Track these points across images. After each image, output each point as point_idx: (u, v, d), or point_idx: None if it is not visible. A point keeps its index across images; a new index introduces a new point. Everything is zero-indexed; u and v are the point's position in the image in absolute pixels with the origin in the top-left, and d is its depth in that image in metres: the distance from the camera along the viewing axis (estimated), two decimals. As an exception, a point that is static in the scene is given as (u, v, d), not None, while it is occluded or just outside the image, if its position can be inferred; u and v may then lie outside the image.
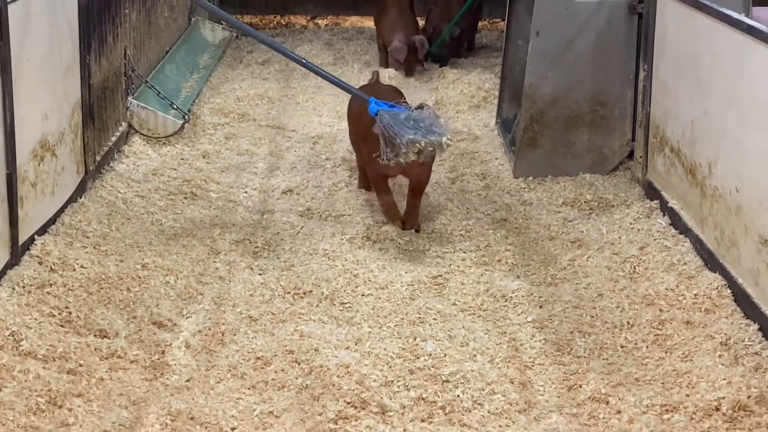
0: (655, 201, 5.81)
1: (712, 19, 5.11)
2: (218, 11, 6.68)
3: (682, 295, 4.79)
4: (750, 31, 4.67)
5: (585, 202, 6.07)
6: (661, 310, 4.69)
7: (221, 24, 9.82)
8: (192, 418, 3.91)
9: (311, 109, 8.19)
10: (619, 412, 3.95)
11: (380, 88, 6.40)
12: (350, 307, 4.87)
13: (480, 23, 10.41)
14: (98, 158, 6.14)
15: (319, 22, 11.13)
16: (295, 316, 4.75)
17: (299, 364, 4.28)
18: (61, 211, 5.44)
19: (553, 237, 5.66)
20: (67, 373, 4.08)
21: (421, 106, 5.52)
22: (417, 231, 5.72)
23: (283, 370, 4.25)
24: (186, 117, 7.22)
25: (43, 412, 3.81)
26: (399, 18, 9.27)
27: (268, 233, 5.76)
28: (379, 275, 5.17)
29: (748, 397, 3.94)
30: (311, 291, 5.00)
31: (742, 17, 4.89)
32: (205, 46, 9.55)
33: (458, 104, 8.24)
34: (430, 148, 5.24)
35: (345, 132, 7.53)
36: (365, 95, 5.70)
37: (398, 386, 4.13)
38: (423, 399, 4.04)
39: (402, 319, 4.74)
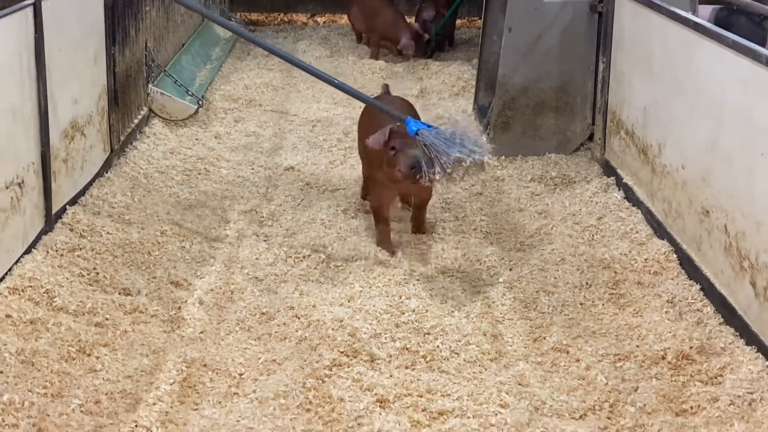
0: (612, 177, 5.82)
1: (664, 17, 5.10)
2: (212, 16, 5.93)
3: (634, 259, 4.81)
4: (696, 27, 4.67)
5: (550, 178, 6.07)
6: (615, 273, 4.71)
7: (231, 20, 9.75)
8: (204, 365, 3.92)
9: (311, 96, 8.15)
10: (578, 360, 3.97)
11: (392, 100, 5.48)
12: (344, 269, 4.87)
13: (459, 21, 10.38)
14: (122, 138, 6.11)
15: (318, 19, 11.06)
16: (296, 277, 4.75)
17: (299, 318, 4.29)
18: (90, 184, 5.42)
19: (522, 209, 5.67)
20: (95, 326, 4.08)
21: (460, 124, 4.72)
22: (421, 233, 5.26)
23: (284, 324, 4.25)
24: (200, 102, 7.19)
25: (73, 359, 3.81)
26: (395, 15, 9.26)
27: (272, 205, 5.75)
28: (369, 241, 5.16)
29: (690, 347, 3.96)
30: (310, 255, 5.00)
31: (689, 15, 4.88)
32: (216, 40, 9.49)
33: (440, 92, 8.22)
34: (474, 167, 4.48)
35: (341, 116, 7.53)
36: (400, 114, 4.79)
37: (385, 338, 4.14)
38: (407, 349, 4.05)
39: (389, 279, 4.73)
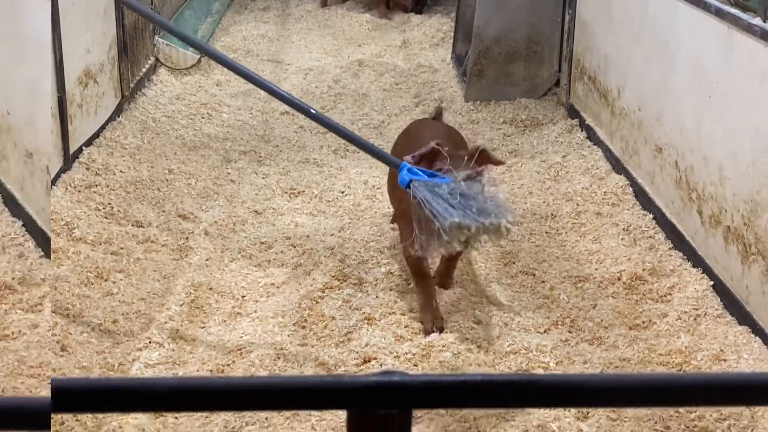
0: (575, 119, 5.80)
1: (624, -28, 5.02)
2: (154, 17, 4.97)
3: (594, 192, 4.82)
4: (653, -19, 4.61)
5: (520, 120, 6.04)
6: (577, 205, 4.73)
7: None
8: (210, 289, 3.94)
9: (303, 47, 8.04)
10: (543, 282, 4.01)
11: (437, 130, 3.91)
12: (334, 203, 4.87)
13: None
14: (132, 85, 6.01)
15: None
16: (291, 210, 4.75)
17: (295, 247, 4.30)
18: (103, 127, 5.35)
19: (495, 148, 5.65)
20: (111, 254, 4.08)
21: (471, 176, 3.10)
22: (446, 288, 3.87)
23: (282, 252, 4.27)
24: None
25: (92, 284, 3.82)
26: None
27: (270, 146, 5.71)
28: (356, 178, 5.16)
29: (643, 270, 4.00)
30: (304, 191, 4.99)
31: (648, -30, 4.81)
32: (217, -4, 9.29)
33: (421, 43, 8.11)
34: (483, 235, 2.91)
35: (331, 65, 7.43)
36: (394, 160, 3.30)
37: (371, 264, 4.16)
38: (391, 273, 4.08)
39: (375, 212, 4.74)
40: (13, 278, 3.70)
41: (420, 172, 3.13)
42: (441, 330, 3.53)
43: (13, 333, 3.39)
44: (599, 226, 4.47)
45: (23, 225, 4.11)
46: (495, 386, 0.85)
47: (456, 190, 2.99)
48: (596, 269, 4.07)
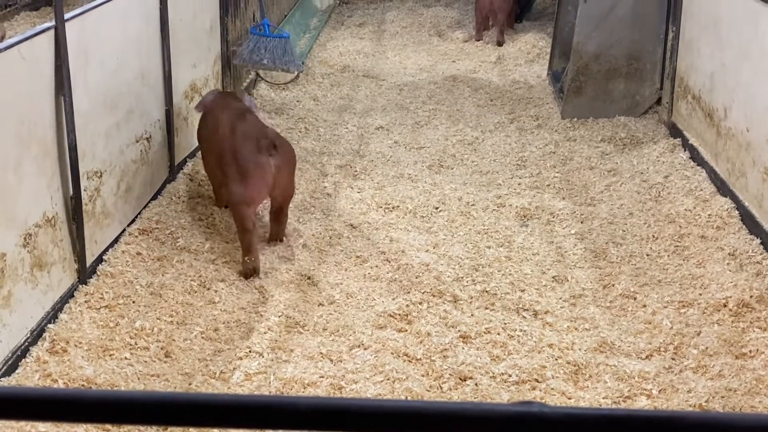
0: (678, 139, 5.64)
1: (733, -12, 4.87)
2: None
3: (698, 215, 4.67)
4: (765, -2, 4.45)
5: (620, 139, 5.92)
6: (680, 227, 4.59)
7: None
8: (307, 301, 3.99)
9: (398, 63, 8.10)
10: (644, 306, 3.90)
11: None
12: (428, 219, 4.87)
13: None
14: (233, 99, 6.17)
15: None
16: (386, 225, 4.77)
17: (389, 262, 4.31)
18: (206, 140, 5.51)
19: (592, 167, 5.55)
20: (212, 263, 4.18)
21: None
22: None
23: (377, 266, 4.28)
24: (300, 68, 7.21)
25: (195, 292, 3.92)
26: None
27: (365, 160, 5.76)
28: (451, 194, 5.14)
29: (750, 296, 3.85)
30: (398, 206, 5.01)
31: (759, -14, 4.65)
32: (314, 12, 9.48)
33: (516, 59, 8.06)
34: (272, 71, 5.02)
35: (425, 81, 7.47)
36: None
37: (466, 281, 4.14)
38: (486, 291, 4.04)
39: (470, 229, 4.72)
40: (751, 296, 3.76)
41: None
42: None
43: (750, 351, 3.44)
44: (703, 250, 4.32)
45: (761, 243, 4.17)
46: (641, 422, 0.83)
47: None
48: (700, 295, 3.93)
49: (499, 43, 8.43)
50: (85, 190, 3.76)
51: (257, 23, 6.22)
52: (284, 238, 4.42)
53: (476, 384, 3.33)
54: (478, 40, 8.62)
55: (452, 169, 5.61)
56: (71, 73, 3.56)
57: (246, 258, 4.03)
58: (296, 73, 7.09)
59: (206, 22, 5.49)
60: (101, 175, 3.94)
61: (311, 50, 8.21)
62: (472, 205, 5.01)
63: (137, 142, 4.36)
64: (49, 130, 3.48)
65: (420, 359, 3.49)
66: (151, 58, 4.55)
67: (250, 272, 4.05)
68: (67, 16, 3.55)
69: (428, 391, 3.30)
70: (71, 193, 3.64)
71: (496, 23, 8.50)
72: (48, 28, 3.43)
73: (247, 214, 4.02)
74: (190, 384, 3.33)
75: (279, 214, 4.33)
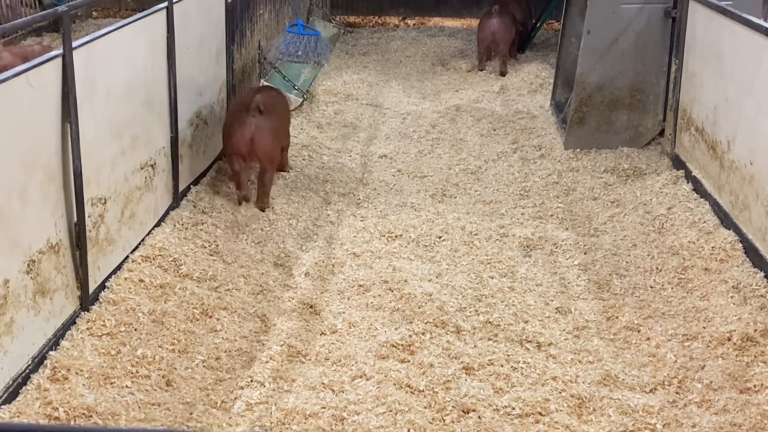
0: (681, 171, 5.64)
1: (735, 22, 4.90)
2: None
3: (702, 247, 4.65)
4: (767, 32, 4.47)
5: (623, 170, 5.92)
6: (684, 259, 4.57)
7: (332, 22, 9.79)
8: (309, 330, 3.97)
9: (401, 92, 8.14)
10: (648, 339, 3.88)
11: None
12: (431, 248, 4.86)
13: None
14: (238, 126, 6.19)
15: (408, 21, 11.01)
16: (389, 254, 4.76)
17: (392, 291, 4.29)
18: (210, 166, 5.52)
19: (595, 197, 5.55)
20: (215, 291, 4.17)
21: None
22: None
23: (379, 295, 4.26)
24: (305, 96, 7.25)
25: (197, 320, 3.91)
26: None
27: (368, 188, 5.76)
28: (454, 223, 5.14)
29: (755, 330, 3.82)
30: (401, 235, 5.00)
31: (761, 21, 4.68)
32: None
33: (519, 89, 8.10)
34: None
35: (428, 110, 7.50)
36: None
37: (469, 312, 4.12)
38: (489, 322, 4.02)
39: (473, 259, 4.71)
40: (755, 330, 3.71)
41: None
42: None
43: (755, 386, 3.40)
44: (707, 283, 4.30)
45: (765, 276, 4.12)
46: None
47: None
48: (704, 328, 3.91)
49: (502, 73, 8.47)
50: (89, 217, 3.76)
51: (293, 23, 7.33)
52: (265, 209, 5.10)
53: (479, 417, 3.30)
54: (481, 70, 8.67)
55: (455, 198, 5.61)
56: (78, 100, 3.57)
57: (237, 191, 5.08)
58: (300, 101, 7.12)
59: (212, 50, 5.53)
60: (105, 202, 3.94)
61: (315, 78, 8.25)
62: (475, 234, 5.00)
63: (142, 169, 4.37)
64: (55, 157, 3.48)
65: (423, 390, 3.47)
66: (157, 85, 4.57)
67: (242, 200, 5.05)
68: (75, 44, 3.57)
69: (431, 423, 3.27)
70: (75, 219, 3.63)
71: (499, 53, 8.55)
72: (56, 56, 3.45)
73: (234, 159, 5.02)
74: (191, 414, 3.30)
75: (262, 176, 5.12)
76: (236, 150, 4.97)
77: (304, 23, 7.38)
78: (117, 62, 4.05)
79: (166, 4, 4.60)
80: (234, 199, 5.14)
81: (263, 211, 5.08)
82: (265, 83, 6.89)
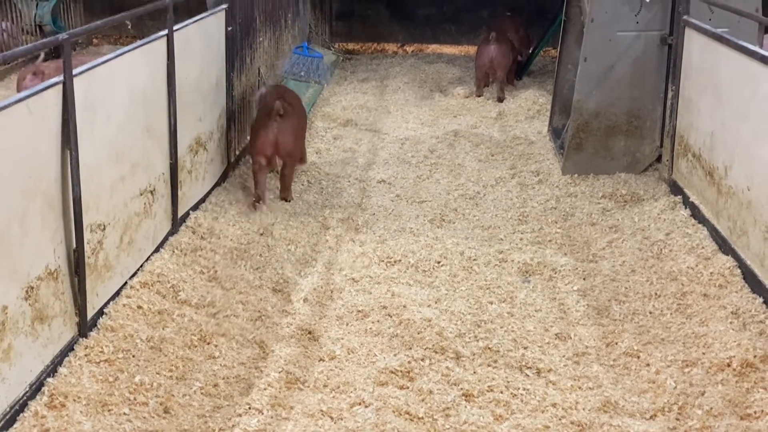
0: (679, 196, 5.65)
1: (731, 49, 4.93)
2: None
3: (700, 272, 4.65)
4: (763, 59, 4.50)
5: (620, 195, 5.93)
6: (682, 285, 4.56)
7: (331, 49, 9.86)
8: (307, 356, 3.95)
9: (400, 117, 8.17)
10: (648, 365, 3.86)
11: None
12: (430, 273, 4.85)
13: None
14: (237, 152, 6.21)
15: (407, 48, 11.08)
16: (388, 279, 4.75)
17: (391, 317, 4.28)
18: (209, 192, 5.53)
19: (594, 223, 5.55)
20: (213, 318, 4.15)
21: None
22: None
23: (378, 321, 4.25)
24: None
25: (195, 347, 3.89)
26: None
27: (367, 214, 5.77)
28: (453, 248, 5.13)
29: (755, 356, 3.80)
30: (400, 260, 4.99)
31: (756, 48, 4.71)
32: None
33: (517, 115, 8.13)
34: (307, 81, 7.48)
35: (427, 135, 7.52)
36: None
37: (469, 337, 4.10)
38: (489, 348, 4.01)
39: (472, 284, 4.70)
40: (755, 356, 3.69)
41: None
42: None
43: (755, 412, 3.38)
44: (706, 308, 4.29)
45: (764, 302, 4.12)
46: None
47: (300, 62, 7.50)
48: (704, 354, 3.89)
49: (500, 99, 8.52)
50: (88, 243, 3.75)
51: (299, 45, 8.01)
52: (290, 200, 5.75)
53: (479, 444, 3.27)
54: (479, 96, 8.71)
55: (454, 223, 5.61)
56: (78, 127, 3.58)
57: (255, 189, 5.61)
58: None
59: (212, 77, 5.55)
60: (104, 228, 3.94)
61: (315, 104, 8.28)
62: (474, 260, 4.99)
63: (141, 195, 4.37)
64: (54, 183, 3.48)
65: (422, 418, 3.44)
66: (157, 112, 4.59)
67: (256, 198, 5.56)
68: (75, 71, 3.58)
69: (430, 450, 3.24)
70: (74, 245, 3.63)
71: (497, 80, 8.60)
72: (56, 83, 3.46)
73: (256, 159, 5.57)
74: (188, 441, 3.27)
75: (283, 173, 5.73)
76: (260, 150, 5.57)
77: (309, 46, 7.92)
78: (117, 89, 4.07)
79: (166, 31, 4.63)
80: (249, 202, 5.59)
81: (288, 202, 5.72)
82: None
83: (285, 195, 5.76)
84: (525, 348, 4.01)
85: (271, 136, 5.49)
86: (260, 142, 5.54)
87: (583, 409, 3.52)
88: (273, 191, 5.81)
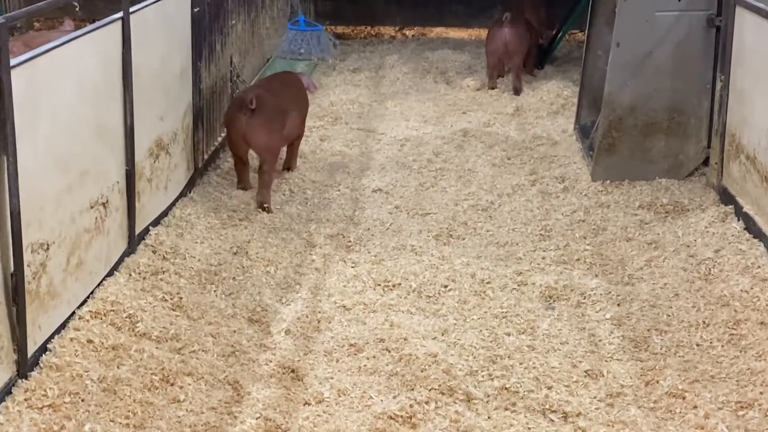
0: (730, 206, 5.68)
1: (791, 31, 4.97)
2: None
3: (757, 297, 4.66)
4: (829, 43, 4.53)
5: (661, 205, 5.96)
6: (735, 311, 4.58)
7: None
8: (290, 399, 3.95)
9: (399, 114, 8.20)
10: (695, 407, 3.87)
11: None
12: (436, 299, 4.86)
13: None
14: (206, 157, 6.24)
15: (407, 32, 11.14)
16: (386, 307, 4.76)
17: (389, 352, 4.29)
18: (173, 204, 5.54)
19: (630, 238, 5.57)
20: (178, 353, 4.15)
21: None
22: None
23: (374, 357, 4.26)
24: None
25: (156, 388, 3.89)
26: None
27: (360, 229, 5.78)
28: (462, 270, 5.14)
29: (821, 397, 3.82)
30: (400, 284, 5.01)
31: (821, 30, 4.75)
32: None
33: (537, 110, 8.18)
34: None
35: (431, 135, 7.55)
36: None
37: (482, 376, 4.11)
38: (506, 389, 4.01)
39: (485, 312, 4.71)
40: None
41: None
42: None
43: None
44: (764, 340, 4.30)
45: None
46: None
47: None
48: (761, 393, 3.91)
49: (517, 92, 8.56)
50: (28, 266, 3.76)
51: (295, 19, 8.32)
52: (267, 206, 5.89)
53: (495, 503, 3.27)
54: (492, 88, 8.75)
55: (463, 239, 5.63)
56: (16, 128, 3.59)
57: (237, 183, 6.19)
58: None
59: (176, 67, 5.58)
60: (48, 248, 3.95)
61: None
62: (488, 283, 5.01)
63: (92, 208, 4.38)
64: (-12, 194, 3.49)
65: (427, 472, 3.45)
66: (111, 110, 4.60)
67: (239, 188, 6.12)
68: (13, 62, 3.59)
69: None
70: (12, 269, 3.63)
71: (513, 68, 8.64)
72: (-10, 77, 3.47)
73: (233, 152, 6.14)
74: (148, 502, 3.27)
75: (260, 170, 5.94)
76: (234, 143, 6.01)
77: (306, 19, 8.20)
78: (63, 83, 4.08)
79: (121, 14, 4.65)
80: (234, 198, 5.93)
81: (262, 208, 5.85)
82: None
83: (260, 197, 5.89)
84: (549, 388, 4.02)
85: (241, 130, 5.84)
86: (228, 139, 6.08)
87: (619, 460, 3.52)
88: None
